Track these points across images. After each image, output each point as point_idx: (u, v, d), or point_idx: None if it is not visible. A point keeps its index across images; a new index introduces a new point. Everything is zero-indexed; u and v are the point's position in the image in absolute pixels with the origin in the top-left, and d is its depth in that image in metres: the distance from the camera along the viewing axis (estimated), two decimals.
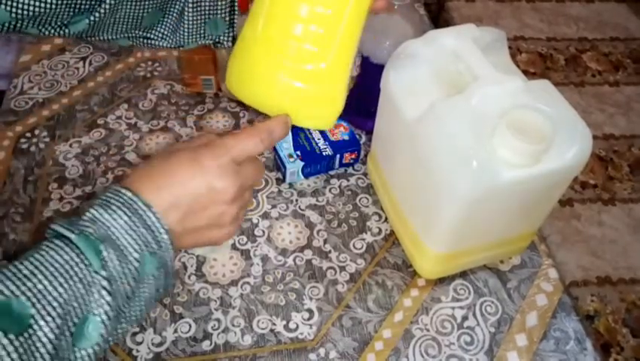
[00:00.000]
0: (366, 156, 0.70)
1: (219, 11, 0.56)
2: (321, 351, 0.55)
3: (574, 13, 2.26)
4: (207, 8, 0.56)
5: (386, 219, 0.66)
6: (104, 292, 0.36)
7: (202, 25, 0.56)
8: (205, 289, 0.59)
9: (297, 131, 0.70)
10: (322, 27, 0.42)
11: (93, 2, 0.49)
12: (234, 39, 0.58)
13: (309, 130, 0.70)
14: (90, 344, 0.36)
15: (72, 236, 0.36)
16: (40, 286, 0.34)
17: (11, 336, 0.32)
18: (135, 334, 0.55)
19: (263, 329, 0.56)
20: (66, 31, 0.50)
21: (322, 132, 0.70)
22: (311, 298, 0.59)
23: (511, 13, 2.23)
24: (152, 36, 0.56)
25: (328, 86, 0.44)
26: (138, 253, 0.38)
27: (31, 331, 0.33)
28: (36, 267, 0.35)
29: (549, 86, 0.52)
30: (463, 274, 0.61)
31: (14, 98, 0.76)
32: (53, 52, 0.82)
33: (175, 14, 0.55)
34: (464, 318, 0.58)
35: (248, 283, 0.60)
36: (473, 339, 0.57)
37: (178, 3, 0.55)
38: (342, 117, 0.72)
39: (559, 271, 0.62)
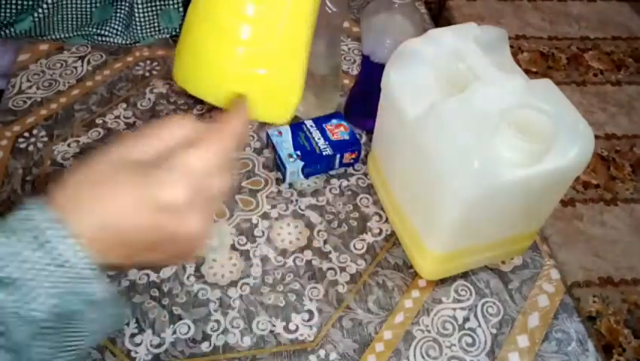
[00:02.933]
0: (366, 156, 0.70)
1: (171, 1, 0.54)
2: (321, 353, 0.55)
3: (575, 12, 2.25)
4: None
5: (387, 219, 0.65)
6: None
7: (155, 17, 0.54)
8: (204, 290, 0.59)
9: (297, 131, 0.69)
10: (269, 4, 0.41)
11: None
12: None
13: (309, 130, 0.69)
14: None
15: None
16: None
17: None
18: (133, 335, 0.55)
19: (262, 330, 0.56)
20: (12, 30, 0.48)
21: (322, 132, 0.69)
22: (311, 299, 0.58)
23: (513, 12, 2.22)
24: (105, 32, 0.54)
25: (282, 70, 0.43)
26: (54, 295, 0.31)
27: None
28: None
29: (550, 86, 0.52)
30: (464, 275, 0.61)
31: (12, 98, 0.76)
32: (51, 51, 0.82)
33: (125, 8, 0.53)
34: (466, 319, 0.58)
35: (247, 283, 0.59)
36: (474, 340, 0.56)
37: None
38: (342, 117, 0.72)
39: (561, 272, 0.62)
